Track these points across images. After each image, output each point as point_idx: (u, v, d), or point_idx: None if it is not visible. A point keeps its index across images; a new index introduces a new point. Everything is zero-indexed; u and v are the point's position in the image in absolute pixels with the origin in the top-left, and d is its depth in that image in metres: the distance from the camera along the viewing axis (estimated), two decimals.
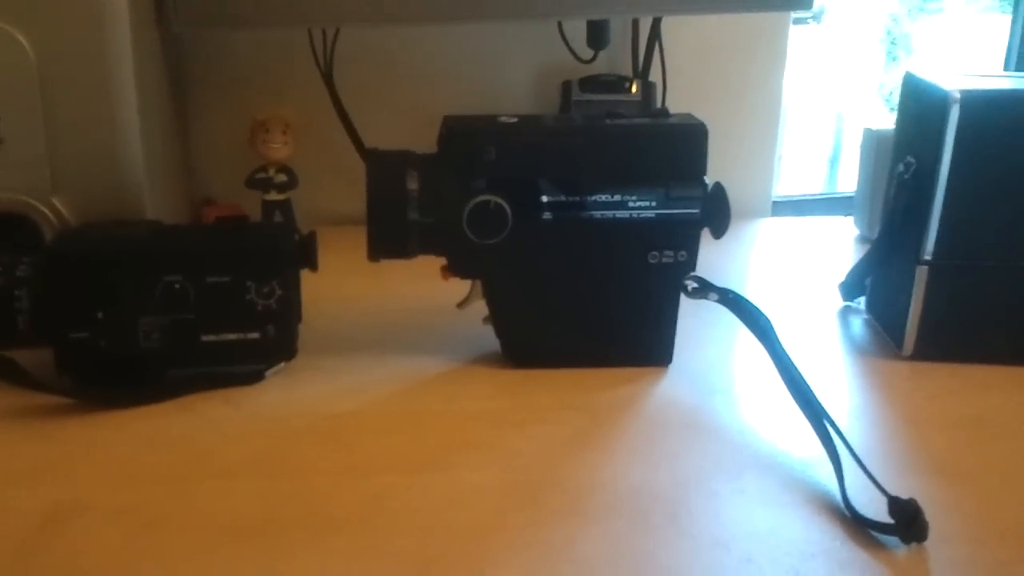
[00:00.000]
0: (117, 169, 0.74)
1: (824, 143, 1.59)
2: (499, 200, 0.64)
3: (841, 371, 0.71)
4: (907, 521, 0.49)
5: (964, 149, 0.65)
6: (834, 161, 1.63)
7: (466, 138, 0.64)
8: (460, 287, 0.68)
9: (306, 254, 0.66)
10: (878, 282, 0.77)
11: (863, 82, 1.62)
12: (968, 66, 0.74)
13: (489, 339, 0.69)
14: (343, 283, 0.80)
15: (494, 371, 0.69)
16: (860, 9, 1.60)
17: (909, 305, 0.69)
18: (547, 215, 0.65)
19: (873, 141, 0.95)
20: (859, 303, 0.80)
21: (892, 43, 1.64)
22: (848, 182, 1.53)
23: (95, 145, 0.73)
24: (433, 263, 0.67)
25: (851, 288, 0.80)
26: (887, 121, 0.88)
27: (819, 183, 1.54)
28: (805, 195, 1.27)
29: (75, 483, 0.55)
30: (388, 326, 0.76)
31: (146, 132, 0.76)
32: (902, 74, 0.74)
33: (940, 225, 0.67)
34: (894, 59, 1.64)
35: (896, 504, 0.50)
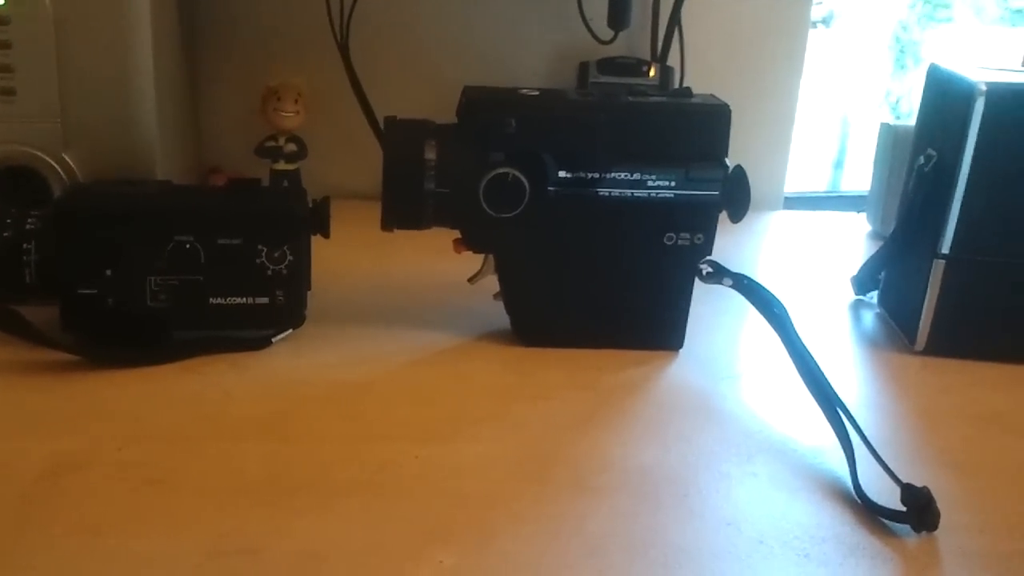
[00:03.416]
0: (130, 127, 0.73)
1: (828, 145, 1.59)
2: (517, 173, 0.63)
3: (852, 363, 0.70)
4: (920, 509, 0.48)
5: (987, 142, 0.64)
6: (838, 164, 1.63)
7: (487, 109, 0.63)
8: (471, 262, 0.67)
9: (319, 220, 0.65)
10: (892, 276, 0.76)
11: (870, 88, 1.62)
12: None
13: (499, 315, 0.69)
14: (352, 255, 0.80)
15: (503, 347, 0.68)
16: (870, 15, 1.59)
17: (923, 299, 0.69)
18: (565, 191, 0.64)
19: (890, 137, 0.94)
20: (871, 297, 0.80)
21: (901, 51, 1.64)
22: (851, 183, 1.53)
23: (109, 102, 0.73)
24: (444, 237, 0.66)
25: (864, 282, 0.80)
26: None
27: (823, 183, 1.53)
28: (810, 192, 1.27)
29: (79, 437, 0.54)
30: (397, 299, 0.76)
31: (160, 92, 0.75)
32: (926, 67, 0.73)
33: (959, 219, 0.66)
34: (902, 67, 1.64)
35: (909, 491, 0.49)
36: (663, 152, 0.64)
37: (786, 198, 1.10)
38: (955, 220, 0.67)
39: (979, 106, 0.64)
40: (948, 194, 0.66)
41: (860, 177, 1.48)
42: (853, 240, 0.97)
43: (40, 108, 0.71)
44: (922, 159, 0.70)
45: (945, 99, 0.69)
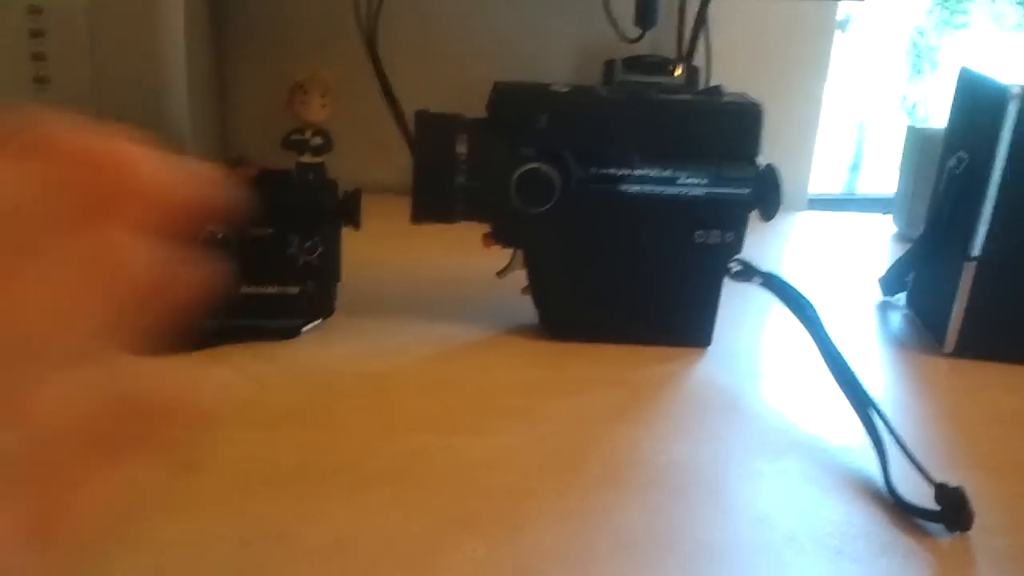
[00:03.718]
0: (161, 117, 0.74)
1: (845, 148, 1.59)
2: (548, 168, 0.63)
3: (881, 364, 0.70)
4: (954, 508, 0.48)
5: (1020, 145, 0.64)
6: (854, 167, 1.63)
7: (518, 104, 0.63)
8: (499, 257, 0.68)
9: (349, 211, 0.66)
10: (921, 277, 0.76)
11: (886, 92, 1.62)
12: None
13: (527, 310, 0.69)
14: (380, 248, 0.80)
15: (531, 342, 0.68)
16: (886, 20, 1.59)
17: (953, 301, 0.68)
18: (595, 187, 0.64)
19: (917, 140, 0.94)
20: (899, 299, 0.79)
21: (917, 56, 1.63)
22: (867, 186, 1.53)
23: (140, 91, 0.73)
24: (472, 233, 0.66)
25: (892, 283, 0.79)
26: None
27: (838, 186, 1.54)
28: (829, 194, 1.26)
29: None
30: (425, 292, 0.76)
31: (191, 84, 0.76)
32: (957, 70, 0.73)
33: (991, 222, 0.66)
34: (919, 72, 1.63)
35: (943, 491, 0.49)
36: (694, 150, 0.64)
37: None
38: (987, 223, 0.66)
39: (1012, 109, 0.64)
40: (980, 196, 0.66)
41: (876, 180, 1.48)
42: (879, 242, 0.97)
43: (73, 96, 0.72)
44: (953, 161, 0.70)
45: (977, 102, 0.69)
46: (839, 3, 1.04)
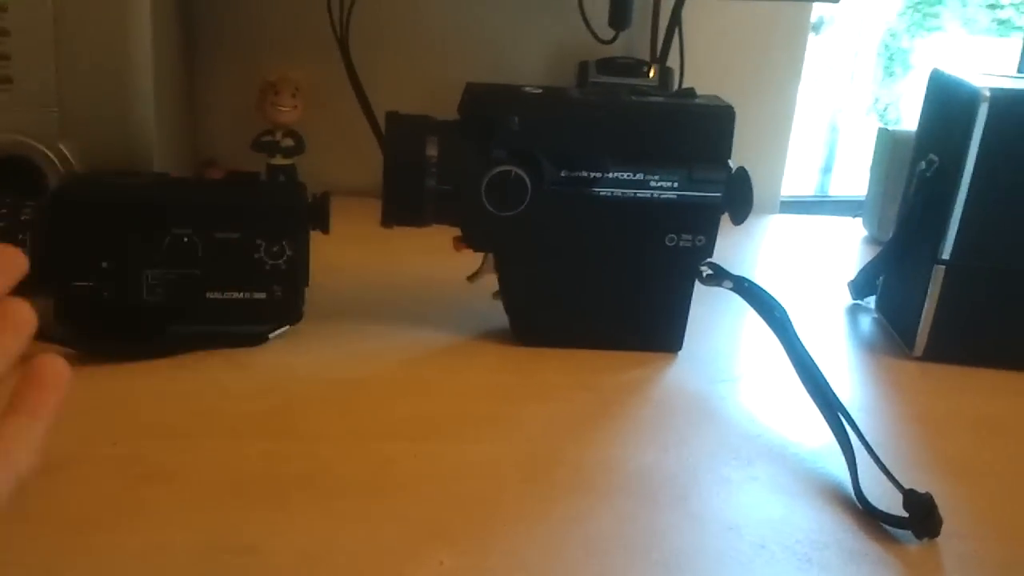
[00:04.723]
0: (127, 118, 0.73)
1: (816, 150, 1.60)
2: (519, 171, 0.63)
3: (850, 368, 0.70)
4: (922, 515, 0.48)
5: (990, 148, 0.64)
6: (826, 169, 1.64)
7: (490, 106, 0.63)
8: (469, 260, 0.67)
9: (318, 215, 0.65)
10: (890, 281, 0.76)
11: (858, 94, 1.63)
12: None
13: (498, 315, 0.68)
14: (349, 252, 0.79)
15: (501, 347, 0.68)
16: (859, 23, 1.60)
17: (923, 305, 0.69)
18: (567, 190, 0.63)
19: (888, 142, 0.95)
20: (868, 302, 0.80)
21: (890, 58, 1.65)
22: (839, 188, 1.54)
23: (106, 92, 0.72)
24: (443, 235, 0.66)
25: (861, 286, 0.80)
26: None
27: (810, 187, 1.55)
28: (801, 196, 1.27)
29: (72, 432, 0.53)
30: (394, 296, 0.75)
31: (158, 84, 0.75)
32: (928, 72, 0.73)
33: (961, 225, 0.66)
34: (891, 74, 1.65)
35: (912, 497, 0.49)
36: (666, 153, 0.64)
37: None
38: (956, 226, 0.67)
39: (983, 112, 0.64)
40: (950, 200, 0.66)
41: (848, 182, 1.49)
42: (849, 245, 0.97)
43: (37, 97, 0.70)
44: (923, 164, 0.70)
45: (948, 105, 0.69)
46: (813, 5, 1.04)
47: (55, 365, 0.32)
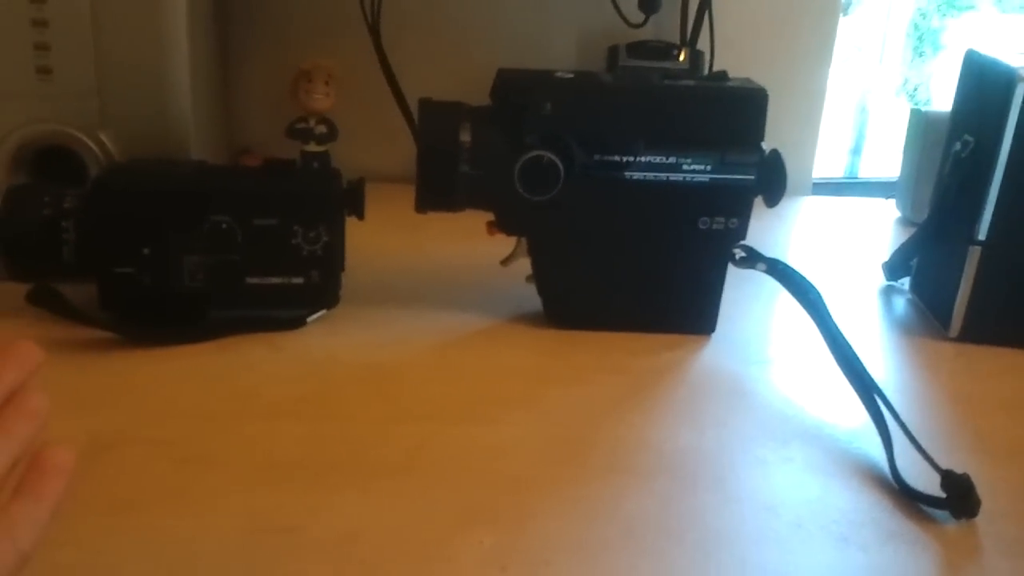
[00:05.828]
0: (165, 107, 0.74)
1: (846, 132, 1.59)
2: (552, 156, 0.63)
3: (885, 350, 0.70)
4: (960, 496, 0.48)
5: None
6: (856, 150, 1.63)
7: (522, 91, 0.63)
8: (503, 245, 0.68)
9: (354, 201, 0.66)
10: (925, 262, 0.76)
11: (888, 75, 1.61)
12: None
13: (531, 298, 0.69)
14: (384, 237, 0.80)
15: (535, 330, 0.68)
16: (888, 3, 1.58)
17: (958, 286, 0.68)
18: (599, 174, 0.64)
19: (921, 123, 0.94)
20: (903, 284, 0.79)
21: (919, 39, 1.62)
22: (868, 170, 1.52)
23: (144, 82, 0.73)
24: (476, 220, 0.66)
25: (896, 268, 0.79)
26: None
27: (839, 169, 1.53)
28: (831, 178, 1.26)
29: (116, 415, 0.55)
30: (429, 281, 0.76)
31: (194, 73, 0.76)
32: (963, 53, 0.73)
33: (996, 206, 0.66)
34: (920, 55, 1.63)
35: (950, 478, 0.49)
36: (698, 136, 0.64)
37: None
38: (992, 206, 0.66)
39: (1019, 92, 0.63)
40: (985, 180, 0.66)
41: (878, 164, 1.47)
42: (882, 226, 0.97)
43: (76, 87, 0.72)
44: (958, 145, 0.69)
45: (983, 85, 0.68)
46: None
47: (60, 454, 0.35)
